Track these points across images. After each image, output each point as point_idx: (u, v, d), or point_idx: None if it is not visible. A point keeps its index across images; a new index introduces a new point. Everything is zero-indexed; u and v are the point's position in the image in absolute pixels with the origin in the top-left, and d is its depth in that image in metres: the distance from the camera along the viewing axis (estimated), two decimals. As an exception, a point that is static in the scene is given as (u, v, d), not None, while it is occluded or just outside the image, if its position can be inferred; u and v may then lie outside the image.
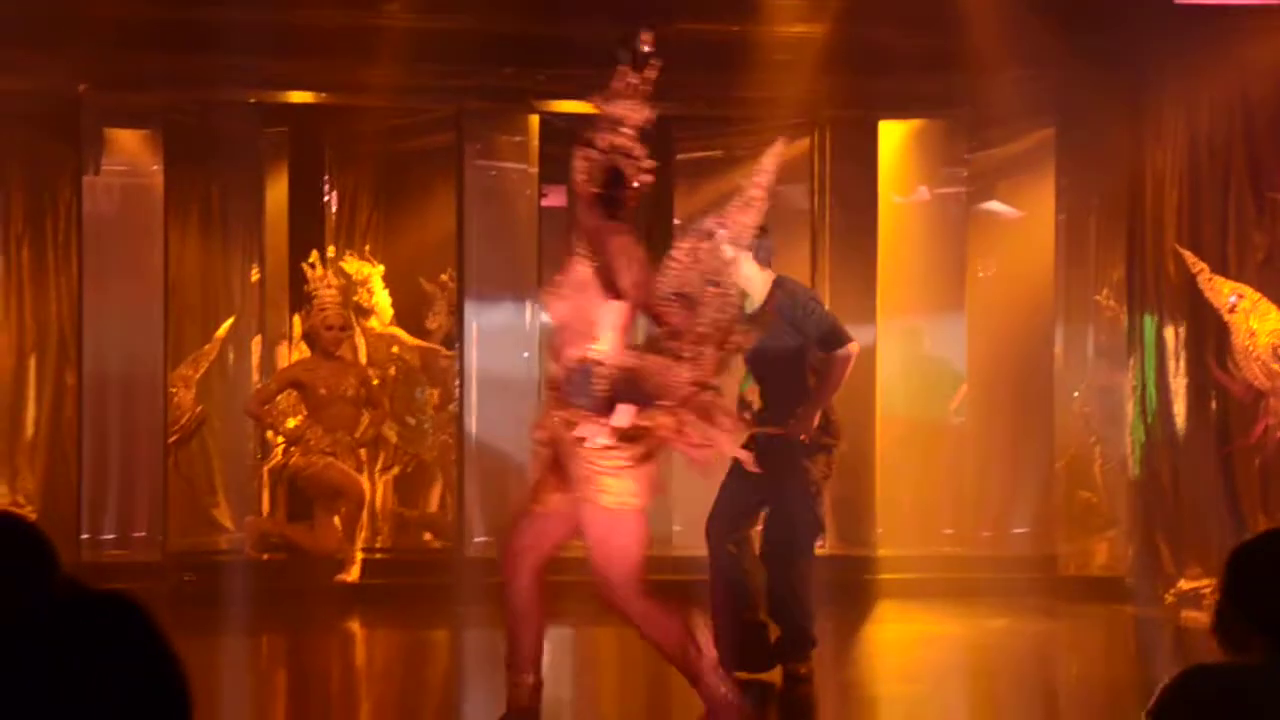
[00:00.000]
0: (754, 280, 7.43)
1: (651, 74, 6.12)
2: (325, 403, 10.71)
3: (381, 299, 11.69)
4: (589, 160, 6.01)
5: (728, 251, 5.95)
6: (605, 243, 5.88)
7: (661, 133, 12.32)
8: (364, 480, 10.77)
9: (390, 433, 11.52)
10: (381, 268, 11.72)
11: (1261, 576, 2.69)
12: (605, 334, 5.78)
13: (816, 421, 7.40)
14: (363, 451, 11.11)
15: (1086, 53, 10.57)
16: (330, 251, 11.51)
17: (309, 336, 11.03)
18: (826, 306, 7.86)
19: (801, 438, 7.37)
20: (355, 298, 11.60)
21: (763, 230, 7.41)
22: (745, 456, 6.07)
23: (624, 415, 5.68)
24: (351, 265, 11.65)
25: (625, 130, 6.01)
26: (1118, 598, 10.29)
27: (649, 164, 6.05)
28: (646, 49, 6.14)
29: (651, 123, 6.14)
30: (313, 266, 10.92)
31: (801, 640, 7.37)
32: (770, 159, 6.19)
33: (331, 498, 10.64)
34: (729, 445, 5.91)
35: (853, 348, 7.46)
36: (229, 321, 12.07)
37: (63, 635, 1.56)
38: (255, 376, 12.01)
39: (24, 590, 2.04)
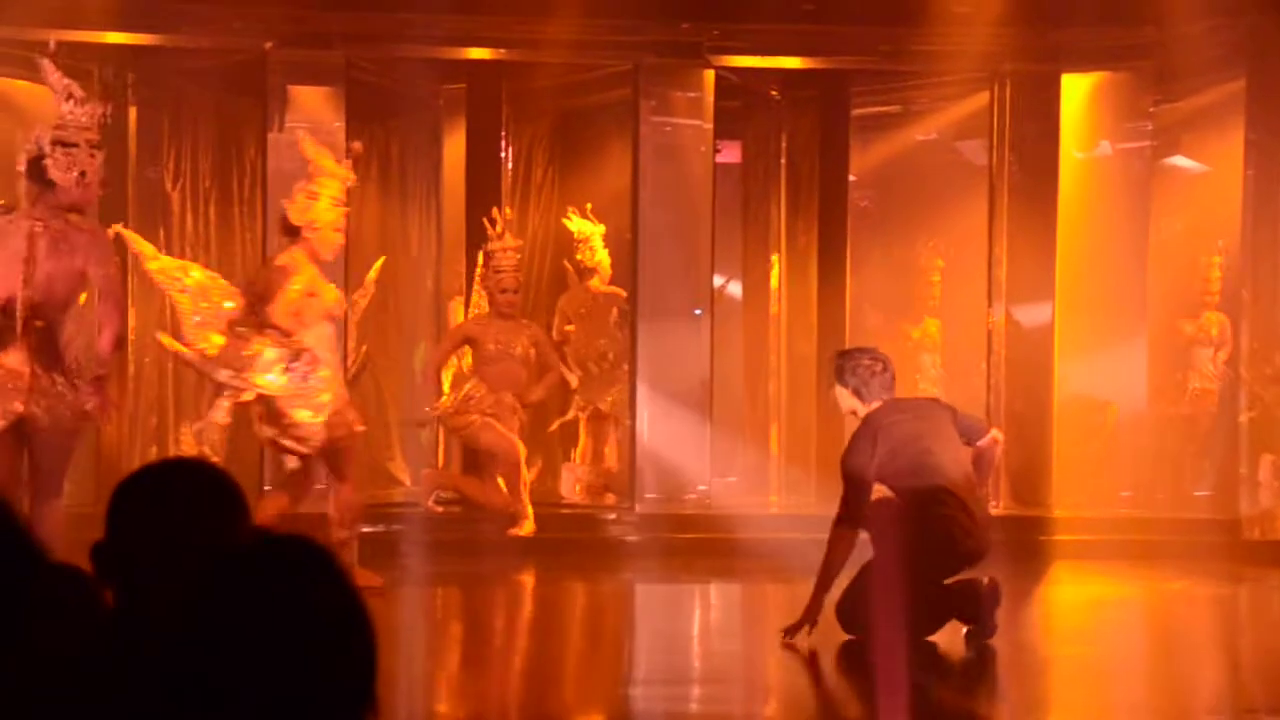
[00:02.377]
0: (860, 412, 7.06)
1: (58, 77, 6.85)
2: (492, 359, 10.71)
3: (603, 257, 11.78)
4: (26, 150, 6.87)
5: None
6: None
7: (838, 87, 12.27)
8: (519, 442, 10.68)
9: (572, 379, 11.55)
10: (602, 227, 11.77)
11: None
12: None
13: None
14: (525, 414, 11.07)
15: None
16: (507, 211, 11.58)
17: (486, 292, 11.10)
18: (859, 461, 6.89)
19: (786, 636, 6.82)
20: (578, 256, 11.81)
21: (882, 365, 7.08)
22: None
23: None
24: (574, 224, 11.77)
25: (60, 126, 6.74)
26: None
27: (67, 163, 6.67)
28: (52, 48, 6.99)
29: (99, 116, 6.84)
30: (493, 223, 10.98)
31: (984, 610, 7.17)
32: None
33: (486, 459, 10.65)
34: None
35: (850, 532, 6.77)
36: (379, 263, 12.15)
37: (263, 574, 1.66)
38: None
39: (221, 533, 2.15)
